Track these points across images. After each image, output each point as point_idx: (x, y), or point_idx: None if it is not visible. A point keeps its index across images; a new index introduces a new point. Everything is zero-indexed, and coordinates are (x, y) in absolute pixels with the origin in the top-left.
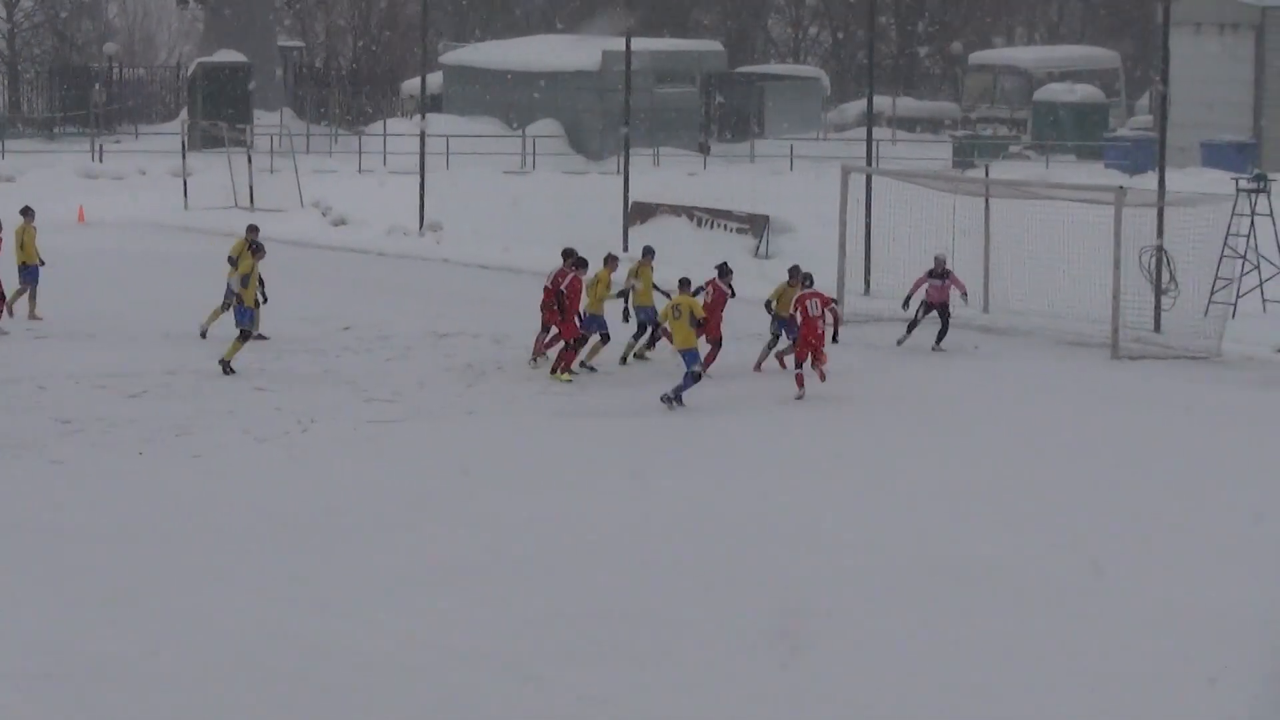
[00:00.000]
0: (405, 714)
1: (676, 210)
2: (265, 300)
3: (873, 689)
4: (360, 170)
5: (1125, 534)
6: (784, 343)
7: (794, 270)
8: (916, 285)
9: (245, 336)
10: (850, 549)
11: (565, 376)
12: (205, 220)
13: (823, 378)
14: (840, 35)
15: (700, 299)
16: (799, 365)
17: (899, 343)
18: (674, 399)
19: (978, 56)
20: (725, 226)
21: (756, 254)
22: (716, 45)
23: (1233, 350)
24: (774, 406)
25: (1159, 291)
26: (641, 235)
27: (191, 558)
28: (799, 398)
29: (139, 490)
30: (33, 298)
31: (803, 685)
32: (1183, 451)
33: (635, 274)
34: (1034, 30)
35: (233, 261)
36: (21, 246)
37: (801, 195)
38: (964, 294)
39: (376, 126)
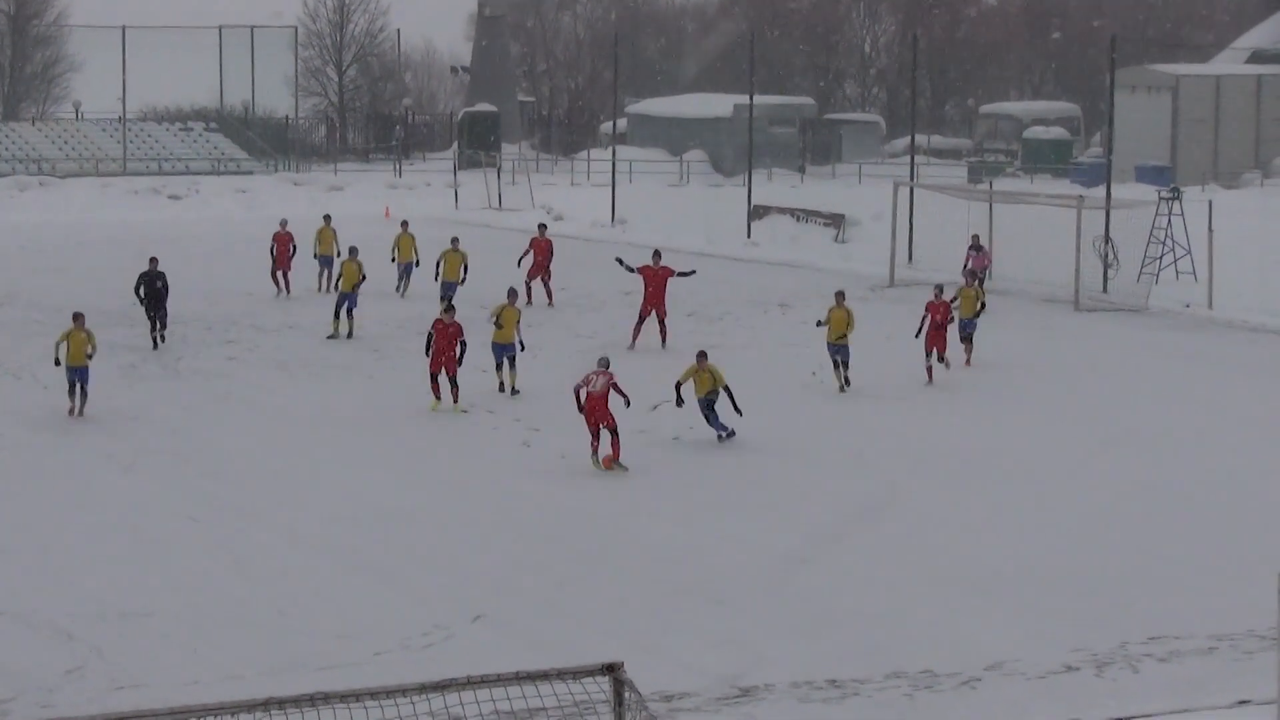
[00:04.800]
0: None
1: (783, 210)
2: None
3: None
4: (572, 183)
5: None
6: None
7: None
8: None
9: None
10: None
11: None
12: (469, 216)
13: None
14: (892, 93)
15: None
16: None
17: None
18: (725, 433)
19: (985, 108)
20: (816, 221)
21: (836, 240)
22: (809, 100)
23: (1155, 305)
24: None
25: (1106, 266)
26: (758, 228)
27: None
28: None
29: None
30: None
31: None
32: (1119, 371)
33: (498, 314)
34: (1022, 89)
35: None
36: (320, 240)
37: (866, 201)
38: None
39: (582, 154)
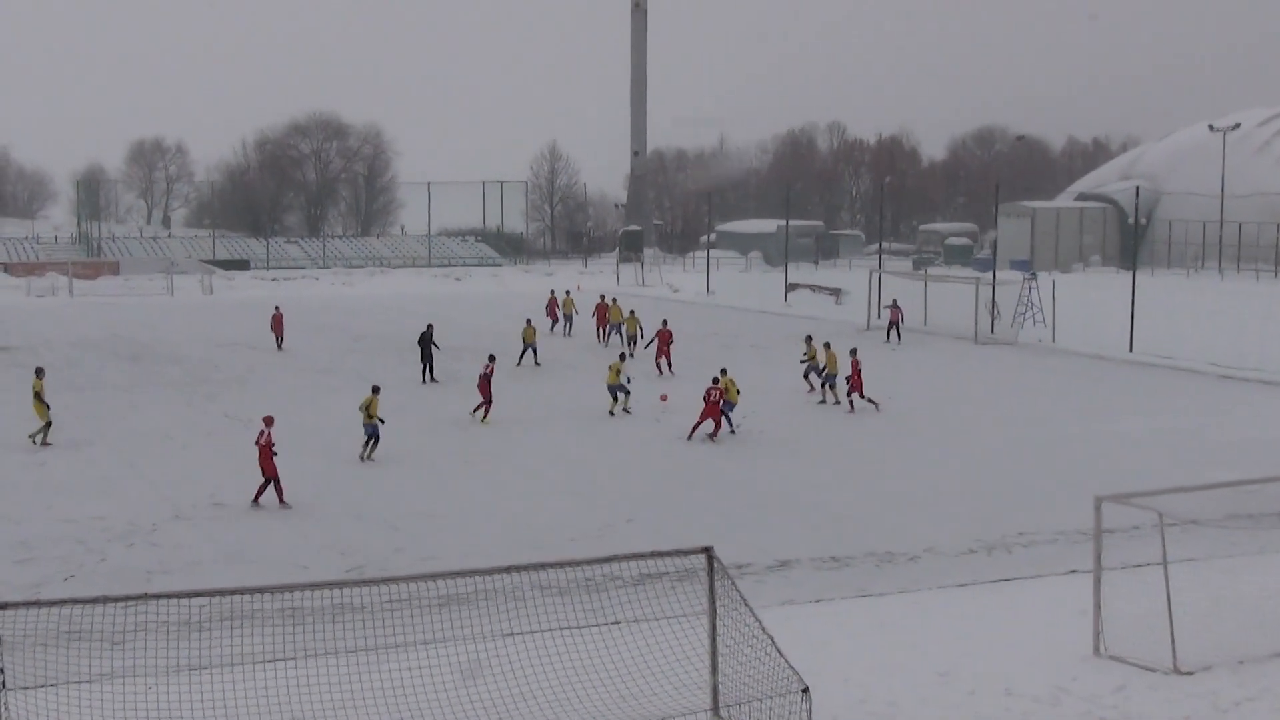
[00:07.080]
0: None
1: (805, 286)
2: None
3: None
4: (684, 270)
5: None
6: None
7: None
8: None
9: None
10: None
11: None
12: (625, 289)
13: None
14: (868, 218)
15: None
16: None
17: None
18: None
19: (923, 226)
20: (824, 292)
21: (836, 303)
22: (820, 223)
23: (1022, 340)
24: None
25: (993, 318)
26: (791, 297)
27: None
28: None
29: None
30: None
31: None
32: (1001, 379)
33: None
34: (944, 215)
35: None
36: (564, 305)
37: (854, 281)
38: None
39: (690, 254)
